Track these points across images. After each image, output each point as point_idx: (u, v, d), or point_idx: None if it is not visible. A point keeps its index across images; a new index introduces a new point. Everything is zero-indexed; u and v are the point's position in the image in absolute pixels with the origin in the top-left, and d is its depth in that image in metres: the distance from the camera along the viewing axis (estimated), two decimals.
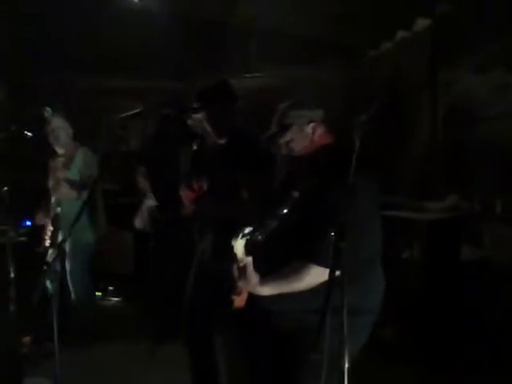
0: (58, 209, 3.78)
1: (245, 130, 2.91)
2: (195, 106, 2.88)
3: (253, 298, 1.99)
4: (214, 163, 2.93)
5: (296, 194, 2.05)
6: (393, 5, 4.33)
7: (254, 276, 1.95)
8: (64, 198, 3.72)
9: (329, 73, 5.42)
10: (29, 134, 3.68)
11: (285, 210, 2.01)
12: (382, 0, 4.29)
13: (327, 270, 1.79)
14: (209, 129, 2.86)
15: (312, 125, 2.09)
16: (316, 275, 1.86)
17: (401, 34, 4.91)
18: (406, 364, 2.84)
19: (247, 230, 1.93)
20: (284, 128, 2.11)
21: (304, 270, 1.88)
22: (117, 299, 5.06)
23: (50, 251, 3.86)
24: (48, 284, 3.79)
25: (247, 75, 5.50)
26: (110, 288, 5.07)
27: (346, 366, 1.43)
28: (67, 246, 3.81)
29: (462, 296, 3.01)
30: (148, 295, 3.63)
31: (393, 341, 2.87)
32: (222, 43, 5.20)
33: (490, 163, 3.60)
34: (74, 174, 3.80)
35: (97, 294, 4.90)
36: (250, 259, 1.96)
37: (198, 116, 2.85)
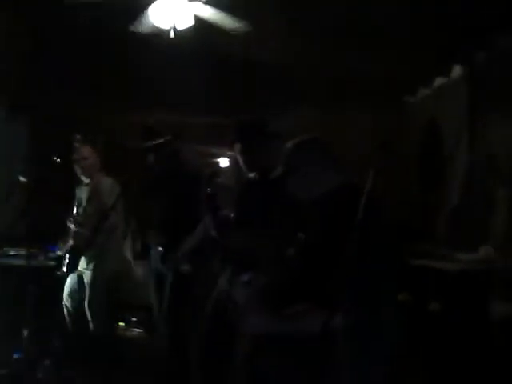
0: (78, 236, 3.84)
1: (275, 168, 2.92)
2: (231, 137, 2.95)
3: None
4: (241, 196, 2.96)
5: (302, 235, 2.00)
6: (430, 51, 4.33)
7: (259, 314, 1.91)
8: (81, 229, 3.79)
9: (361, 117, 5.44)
10: (58, 160, 3.76)
11: (292, 253, 1.97)
12: (419, 46, 4.28)
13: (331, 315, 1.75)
14: (241, 160, 2.92)
15: (318, 166, 2.03)
16: (319, 320, 1.79)
17: (438, 81, 4.91)
18: None
19: (246, 277, 1.90)
20: (289, 170, 2.07)
21: (309, 314, 1.82)
22: (139, 330, 5.04)
23: (70, 277, 3.91)
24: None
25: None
26: (133, 319, 5.07)
27: None
28: (86, 276, 3.84)
29: (491, 353, 2.86)
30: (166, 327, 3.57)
31: None
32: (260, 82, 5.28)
33: None
34: (97, 203, 3.82)
35: (120, 324, 4.91)
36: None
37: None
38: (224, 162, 6.40)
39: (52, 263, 4.22)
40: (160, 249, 3.50)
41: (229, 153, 5.87)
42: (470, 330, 2.96)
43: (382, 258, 1.86)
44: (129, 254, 3.80)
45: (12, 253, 4.32)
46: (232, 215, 2.90)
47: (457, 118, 4.47)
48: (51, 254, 4.33)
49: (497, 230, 3.63)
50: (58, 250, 3.97)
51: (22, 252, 4.27)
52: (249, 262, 2.53)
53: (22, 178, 3.72)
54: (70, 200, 4.05)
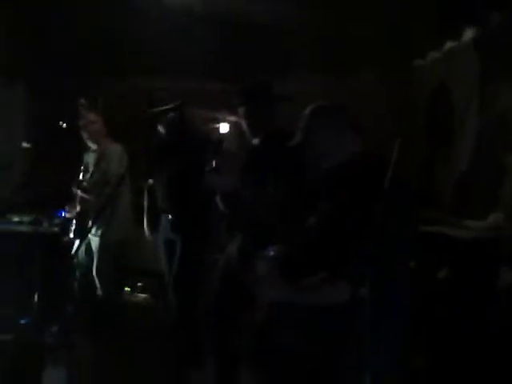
0: (85, 202, 3.83)
1: (281, 131, 2.85)
2: (236, 100, 2.87)
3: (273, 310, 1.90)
4: (246, 162, 2.90)
5: (325, 205, 1.96)
6: (441, 13, 4.20)
7: (277, 285, 1.86)
8: (87, 195, 3.76)
9: (370, 82, 5.33)
10: (64, 125, 3.71)
11: (312, 222, 1.92)
12: (430, 9, 4.14)
13: (351, 288, 1.73)
14: (245, 125, 2.85)
15: (338, 132, 1.98)
16: (342, 292, 1.76)
17: (449, 44, 4.77)
18: None
19: (272, 252, 1.86)
20: (309, 137, 2.00)
21: (331, 284, 1.78)
22: (145, 295, 5.09)
23: (76, 243, 3.91)
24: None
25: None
26: (139, 284, 5.11)
27: None
28: (94, 242, 3.83)
29: (497, 322, 2.86)
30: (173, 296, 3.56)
31: (426, 370, 2.74)
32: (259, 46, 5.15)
33: None
34: (103, 170, 3.81)
35: (125, 289, 4.95)
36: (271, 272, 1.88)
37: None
38: (224, 128, 6.25)
39: (56, 229, 4.22)
40: (169, 216, 3.48)
41: (231, 118, 5.75)
42: (478, 297, 2.95)
43: (403, 228, 1.83)
44: (146, 222, 3.75)
45: (16, 219, 4.30)
46: (240, 185, 2.83)
47: (468, 81, 4.36)
48: (56, 220, 4.31)
49: (506, 197, 3.59)
50: (66, 214, 3.95)
51: (27, 218, 4.27)
52: (259, 231, 2.50)
53: (25, 144, 3.67)
54: (74, 165, 4.02)
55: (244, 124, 2.87)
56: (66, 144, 4.06)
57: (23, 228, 4.26)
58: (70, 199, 3.99)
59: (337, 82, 5.39)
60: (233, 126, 5.63)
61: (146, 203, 3.69)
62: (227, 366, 2.85)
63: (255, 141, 2.88)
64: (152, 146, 3.56)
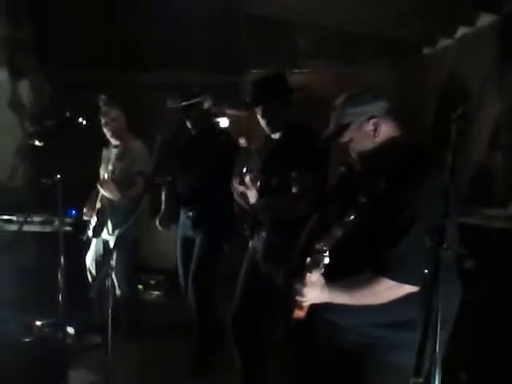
0: (105, 201, 3.77)
1: (299, 124, 2.78)
2: (250, 99, 2.79)
3: (314, 309, 1.82)
4: (268, 158, 2.82)
5: (363, 198, 1.89)
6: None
7: (318, 285, 1.78)
8: (109, 194, 3.69)
9: (380, 71, 5.25)
10: (83, 121, 3.64)
11: (351, 217, 1.84)
12: None
13: (401, 285, 1.69)
14: (264, 123, 2.76)
15: (373, 121, 1.87)
16: (389, 290, 1.71)
17: (462, 30, 4.70)
18: None
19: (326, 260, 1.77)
20: (342, 127, 1.90)
21: (376, 283, 1.72)
22: (157, 293, 5.06)
23: (94, 242, 3.86)
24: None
25: (296, 70, 5.37)
26: (152, 282, 5.07)
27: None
28: (111, 241, 3.78)
29: None
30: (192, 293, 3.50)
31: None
32: (271, 37, 5.10)
33: None
34: (126, 166, 3.75)
35: (138, 287, 4.89)
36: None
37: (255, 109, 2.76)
38: (224, 123, 6.11)
39: (70, 229, 4.15)
40: (190, 214, 3.42)
41: (232, 112, 5.62)
42: (504, 286, 2.91)
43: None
44: (160, 216, 3.69)
45: (26, 219, 4.22)
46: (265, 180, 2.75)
47: (483, 68, 4.29)
48: (67, 220, 4.23)
49: None
50: (84, 214, 3.87)
51: (37, 218, 4.21)
52: (287, 225, 2.44)
53: (37, 142, 3.59)
54: (86, 162, 3.97)
55: (262, 122, 2.77)
56: (78, 140, 3.99)
57: (35, 227, 4.21)
58: (83, 197, 3.93)
59: (346, 71, 5.32)
60: (235, 120, 5.54)
61: (163, 198, 3.63)
62: (254, 362, 2.79)
63: (275, 136, 2.81)
64: (177, 142, 3.50)
